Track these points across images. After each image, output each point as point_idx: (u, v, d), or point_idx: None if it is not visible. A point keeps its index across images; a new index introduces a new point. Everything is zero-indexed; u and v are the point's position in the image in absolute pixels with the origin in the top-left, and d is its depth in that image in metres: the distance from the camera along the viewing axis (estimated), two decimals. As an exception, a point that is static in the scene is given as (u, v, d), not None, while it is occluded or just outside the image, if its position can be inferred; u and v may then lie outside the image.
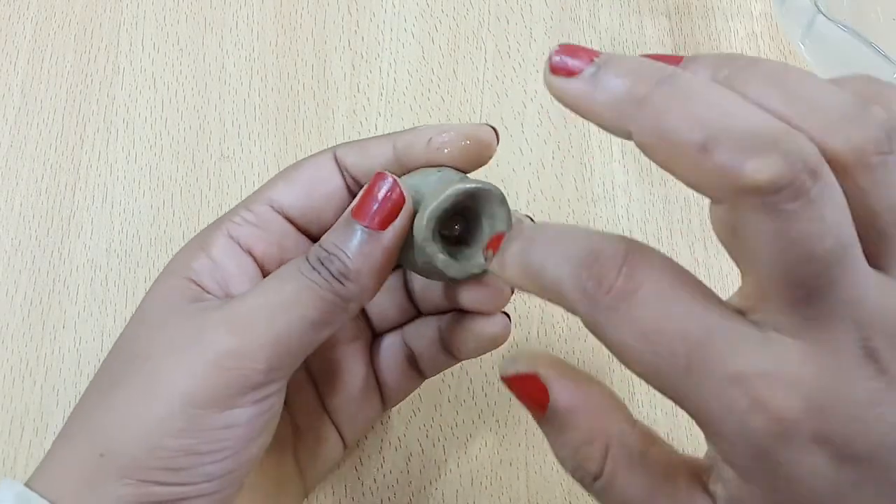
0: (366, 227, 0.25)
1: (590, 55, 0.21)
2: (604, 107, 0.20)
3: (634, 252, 0.20)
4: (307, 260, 0.26)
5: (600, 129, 0.43)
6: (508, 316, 0.30)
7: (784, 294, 0.19)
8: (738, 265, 0.20)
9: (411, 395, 0.37)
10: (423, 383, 0.38)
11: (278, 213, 0.28)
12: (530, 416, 0.36)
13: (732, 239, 0.19)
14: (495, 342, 0.30)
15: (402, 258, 0.27)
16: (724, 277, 0.40)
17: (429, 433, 0.37)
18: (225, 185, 0.41)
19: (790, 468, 0.19)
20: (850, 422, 0.18)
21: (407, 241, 0.27)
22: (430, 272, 0.28)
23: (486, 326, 0.30)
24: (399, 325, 0.33)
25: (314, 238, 0.29)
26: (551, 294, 0.21)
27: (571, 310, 0.21)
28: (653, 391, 0.38)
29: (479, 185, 0.26)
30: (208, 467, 0.25)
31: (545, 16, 0.45)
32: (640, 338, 0.19)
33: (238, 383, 0.25)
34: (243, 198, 0.40)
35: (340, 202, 0.29)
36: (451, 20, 0.45)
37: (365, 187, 0.26)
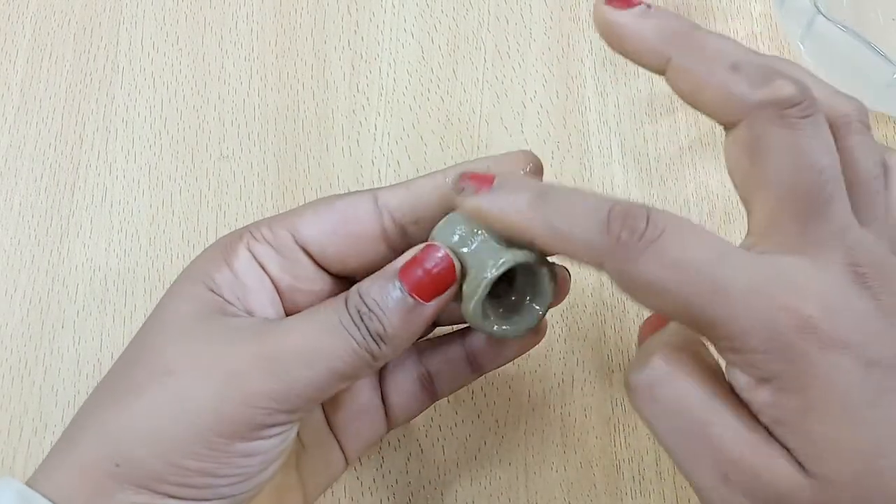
0: (412, 295, 0.25)
1: None
2: (652, 35, 0.25)
3: (650, 207, 0.22)
4: (346, 309, 0.26)
5: (600, 129, 0.43)
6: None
7: (790, 208, 0.22)
8: (750, 194, 0.24)
9: (411, 395, 0.37)
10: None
11: (299, 245, 0.28)
12: (530, 417, 0.37)
13: (747, 162, 0.23)
14: (537, 340, 0.31)
15: (448, 316, 0.28)
16: (724, 278, 0.40)
17: (428, 433, 0.37)
18: (224, 184, 0.41)
19: (821, 369, 0.20)
20: (861, 329, 0.21)
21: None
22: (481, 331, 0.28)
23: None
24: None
25: (332, 272, 0.29)
26: (578, 249, 0.23)
27: (598, 262, 0.23)
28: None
29: (526, 259, 0.26)
30: (223, 489, 0.25)
31: (545, 16, 0.45)
32: (671, 268, 0.21)
33: (264, 421, 0.25)
34: (242, 198, 0.41)
35: (371, 245, 0.28)
36: (450, 20, 0.45)
37: (415, 251, 0.26)
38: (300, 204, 0.40)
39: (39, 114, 0.43)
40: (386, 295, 0.25)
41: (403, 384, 0.32)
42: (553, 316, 0.39)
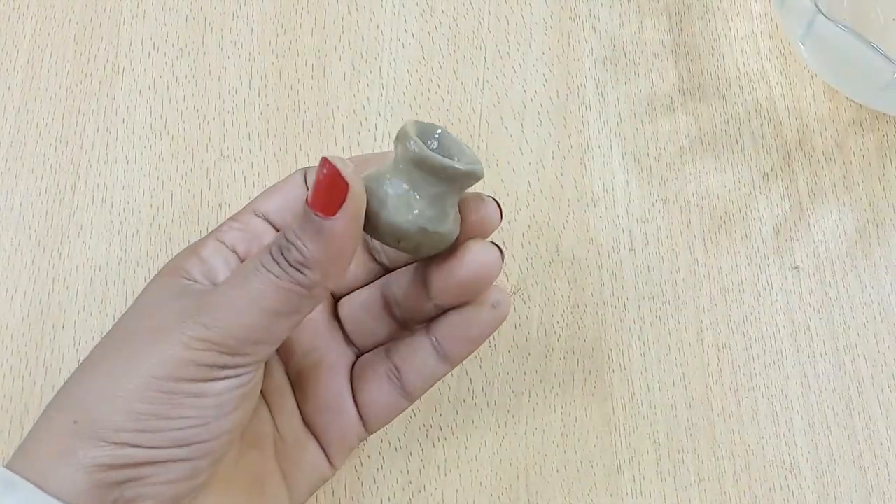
0: (318, 214, 0.25)
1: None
2: None
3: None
4: (268, 250, 0.27)
5: (600, 129, 0.43)
6: (500, 249, 0.29)
7: None
8: None
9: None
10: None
11: (260, 217, 0.31)
12: (530, 417, 0.37)
13: None
14: (491, 273, 0.30)
15: (378, 234, 0.27)
16: (724, 277, 0.40)
17: (428, 433, 0.37)
18: (225, 184, 0.41)
19: None
20: None
21: (374, 222, 0.27)
22: (409, 234, 0.27)
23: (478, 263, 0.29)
24: (382, 343, 0.33)
25: None
26: None
27: None
28: (652, 391, 0.39)
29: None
30: (178, 433, 0.26)
31: (545, 16, 0.45)
32: None
33: (206, 362, 0.26)
34: (243, 197, 0.41)
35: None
36: (451, 20, 0.45)
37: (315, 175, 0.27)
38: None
39: (40, 114, 0.43)
40: (298, 224, 0.26)
41: (373, 381, 0.32)
42: (553, 315, 0.39)
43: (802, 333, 0.39)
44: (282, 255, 0.26)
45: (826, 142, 0.42)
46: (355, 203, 0.26)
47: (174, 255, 0.36)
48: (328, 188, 0.25)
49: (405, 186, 0.27)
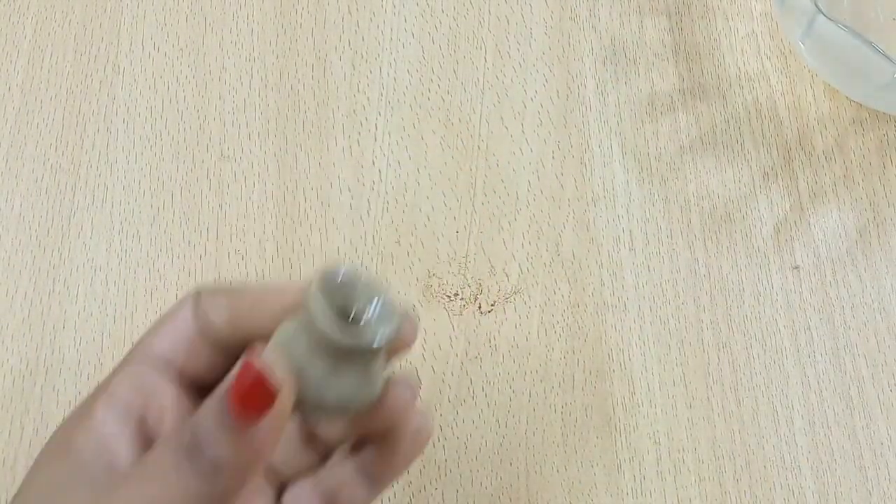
0: (239, 420, 0.23)
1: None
2: None
3: None
4: (179, 446, 0.24)
5: (600, 129, 0.43)
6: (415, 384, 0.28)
7: None
8: None
9: (411, 395, 0.37)
10: (424, 385, 0.38)
11: (150, 361, 0.27)
12: (531, 417, 0.37)
13: None
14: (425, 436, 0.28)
15: (304, 414, 0.25)
16: (725, 277, 0.40)
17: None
18: (225, 185, 0.41)
19: None
20: None
21: (299, 404, 0.24)
22: (337, 411, 0.25)
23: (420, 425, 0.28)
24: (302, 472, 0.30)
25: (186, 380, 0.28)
26: None
27: None
28: (652, 391, 0.39)
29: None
30: None
31: (545, 16, 0.45)
32: None
33: None
34: (243, 198, 0.41)
35: (198, 347, 0.27)
36: (451, 20, 0.45)
37: (234, 371, 0.24)
38: (300, 204, 0.40)
39: (40, 114, 0.43)
40: (213, 422, 0.23)
41: None
42: (554, 315, 0.39)
43: (803, 333, 0.39)
44: (193, 455, 0.23)
45: (826, 141, 0.42)
46: (283, 409, 0.23)
47: (174, 255, 0.36)
48: (255, 395, 0.23)
49: (324, 367, 0.24)
